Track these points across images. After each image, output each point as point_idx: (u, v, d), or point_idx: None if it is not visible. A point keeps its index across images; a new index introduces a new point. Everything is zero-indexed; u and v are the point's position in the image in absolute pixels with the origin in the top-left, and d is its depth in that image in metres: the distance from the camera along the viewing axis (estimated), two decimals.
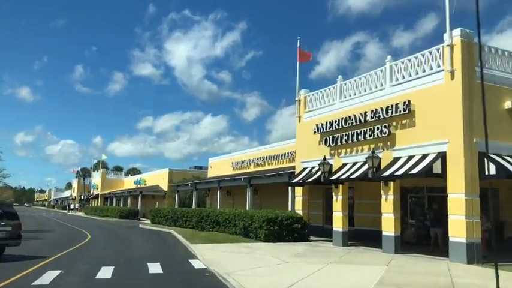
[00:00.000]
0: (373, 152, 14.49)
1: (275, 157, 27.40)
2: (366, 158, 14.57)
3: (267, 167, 28.07)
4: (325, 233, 21.10)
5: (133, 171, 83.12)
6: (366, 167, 15.10)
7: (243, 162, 31.23)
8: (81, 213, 62.71)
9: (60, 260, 12.52)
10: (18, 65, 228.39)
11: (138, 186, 54.42)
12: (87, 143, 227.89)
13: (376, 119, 14.98)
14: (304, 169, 19.18)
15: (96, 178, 69.26)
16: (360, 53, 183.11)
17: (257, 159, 29.40)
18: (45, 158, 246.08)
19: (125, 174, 72.23)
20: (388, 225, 14.16)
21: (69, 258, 12.85)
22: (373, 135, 15.19)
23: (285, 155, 26.34)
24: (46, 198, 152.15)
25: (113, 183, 64.44)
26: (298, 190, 19.56)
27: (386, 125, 14.62)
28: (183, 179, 42.21)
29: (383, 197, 14.59)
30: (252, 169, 29.93)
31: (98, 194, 64.93)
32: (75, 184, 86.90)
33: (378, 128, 14.86)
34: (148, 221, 39.16)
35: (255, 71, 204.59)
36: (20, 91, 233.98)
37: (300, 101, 20.04)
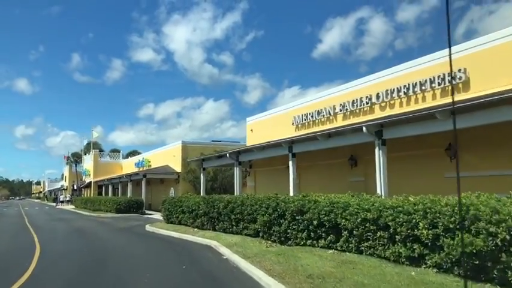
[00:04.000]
0: None
1: (395, 92, 14.24)
2: None
3: (377, 114, 14.96)
4: None
5: (134, 154, 69.94)
6: None
7: (318, 112, 18.07)
8: (71, 207, 49.94)
9: None
10: (14, 56, 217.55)
11: (141, 169, 41.50)
12: (88, 133, 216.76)
13: None
14: None
15: (87, 162, 56.22)
16: (363, 29, 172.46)
17: (354, 102, 16.25)
18: (46, 150, 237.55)
19: (124, 158, 59.14)
20: None
21: None
22: None
23: (422, 84, 13.14)
24: (41, 190, 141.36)
25: (108, 167, 51.43)
26: None
27: None
28: (201, 155, 29.03)
29: None
30: (336, 123, 16.91)
31: (91, 182, 52.05)
32: (66, 172, 74.05)
33: None
34: (157, 216, 26.34)
35: (256, 52, 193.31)
36: (17, 83, 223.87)
37: None
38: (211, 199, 15.09)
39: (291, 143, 15.07)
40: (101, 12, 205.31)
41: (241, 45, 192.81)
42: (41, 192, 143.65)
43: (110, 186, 44.81)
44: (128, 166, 49.28)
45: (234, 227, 13.61)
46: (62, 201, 58.88)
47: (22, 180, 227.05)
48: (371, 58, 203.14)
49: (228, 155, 18.74)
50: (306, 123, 18.88)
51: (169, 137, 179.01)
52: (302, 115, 18.97)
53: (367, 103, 15.61)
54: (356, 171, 15.99)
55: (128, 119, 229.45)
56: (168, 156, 35.98)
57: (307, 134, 15.45)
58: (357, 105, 16.06)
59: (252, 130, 23.86)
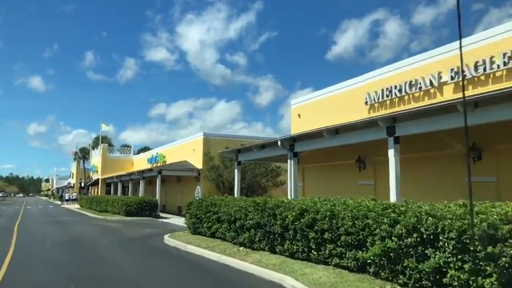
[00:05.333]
0: None
1: None
2: None
3: None
4: None
5: (146, 151, 65.06)
6: None
7: (410, 85, 12.79)
8: (76, 206, 45.27)
9: None
10: (29, 54, 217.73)
11: (155, 165, 36.62)
12: (99, 131, 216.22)
13: None
14: None
15: (95, 158, 51.56)
16: (378, 31, 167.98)
17: (477, 65, 10.96)
18: (58, 147, 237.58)
19: (135, 154, 54.15)
20: None
21: None
22: None
23: None
24: (50, 187, 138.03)
25: (118, 163, 46.66)
26: None
27: None
28: (226, 149, 23.92)
29: None
30: (441, 98, 11.65)
31: (99, 179, 47.33)
32: (74, 169, 69.63)
33: None
34: (174, 221, 21.39)
35: (269, 53, 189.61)
36: (31, 81, 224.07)
37: None
38: (269, 204, 9.94)
39: (392, 120, 9.81)
40: (115, 11, 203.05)
41: (254, 46, 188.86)
42: (49, 189, 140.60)
43: (119, 184, 40.00)
44: (140, 162, 44.47)
45: (313, 251, 8.44)
46: (68, 200, 54.17)
47: (33, 177, 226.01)
48: (385, 60, 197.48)
49: (279, 142, 13.56)
50: (388, 101, 13.67)
51: (180, 138, 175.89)
52: (384, 89, 13.74)
53: (505, 64, 10.34)
54: (480, 167, 10.75)
55: (139, 118, 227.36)
56: (186, 151, 30.98)
57: (418, 107, 10.17)
58: (484, 68, 10.79)
59: (299, 115, 18.70)
